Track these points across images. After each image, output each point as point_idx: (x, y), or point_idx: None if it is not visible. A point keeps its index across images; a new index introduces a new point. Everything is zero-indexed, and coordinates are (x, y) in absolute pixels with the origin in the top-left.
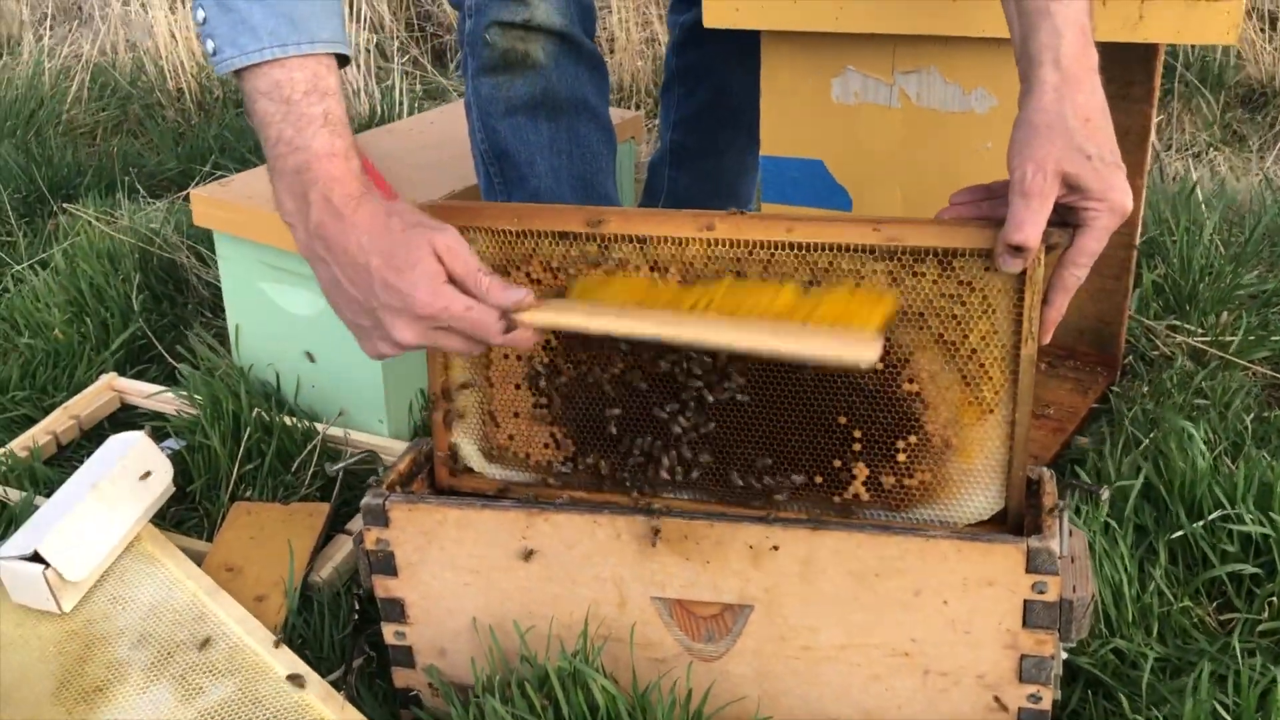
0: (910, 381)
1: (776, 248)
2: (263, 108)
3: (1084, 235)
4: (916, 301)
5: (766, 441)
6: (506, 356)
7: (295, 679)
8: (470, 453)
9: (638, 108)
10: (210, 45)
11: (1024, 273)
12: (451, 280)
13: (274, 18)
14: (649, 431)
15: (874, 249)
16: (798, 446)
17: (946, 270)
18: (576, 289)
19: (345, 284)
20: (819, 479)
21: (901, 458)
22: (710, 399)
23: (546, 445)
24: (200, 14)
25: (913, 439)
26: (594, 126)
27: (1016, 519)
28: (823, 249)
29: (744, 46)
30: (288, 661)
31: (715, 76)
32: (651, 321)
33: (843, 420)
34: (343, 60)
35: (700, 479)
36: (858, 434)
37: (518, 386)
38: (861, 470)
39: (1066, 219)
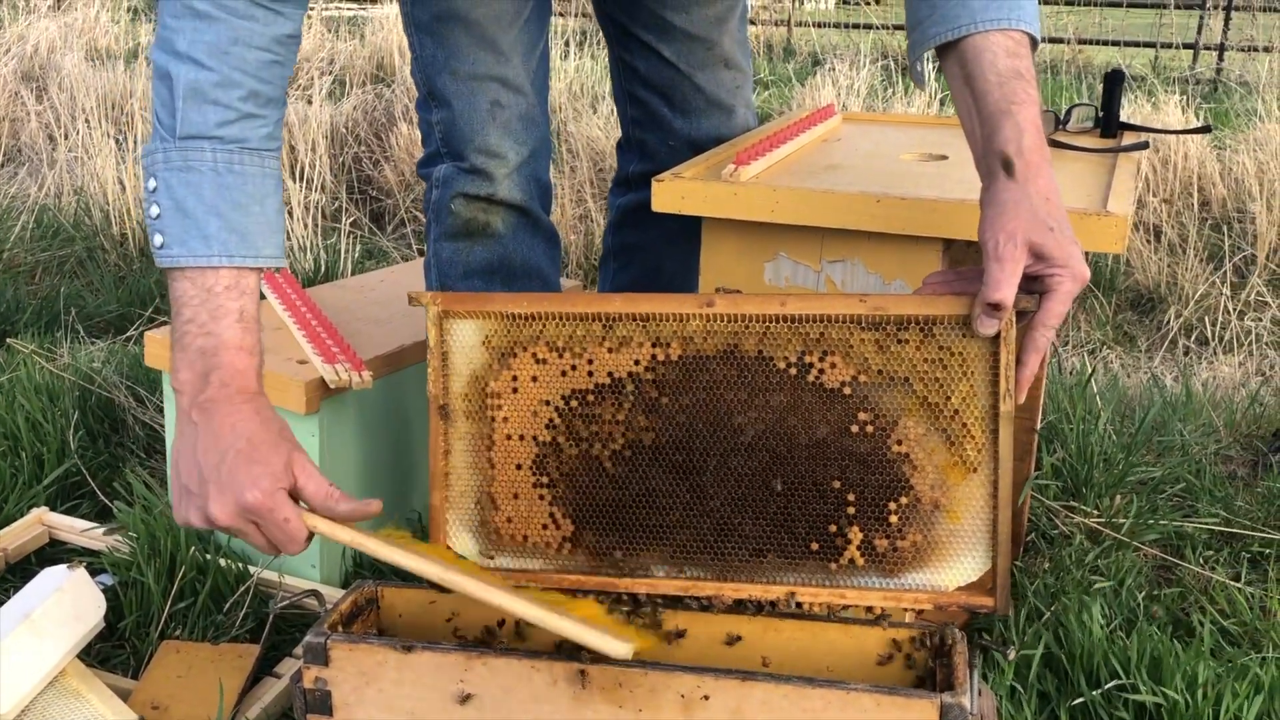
0: (899, 444)
1: (772, 320)
2: (182, 288)
3: (1050, 299)
4: (901, 367)
5: (764, 509)
6: (510, 437)
7: None
8: (464, 538)
9: (569, 277)
10: (158, 240)
11: (998, 335)
12: (292, 495)
13: (227, 231)
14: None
15: (861, 319)
16: (795, 513)
17: (928, 336)
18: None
19: (200, 450)
20: (815, 546)
21: (893, 519)
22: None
23: (545, 526)
24: (155, 210)
25: (904, 500)
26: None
27: (928, 671)
28: (814, 320)
29: (680, 229)
30: None
31: (650, 254)
32: (438, 568)
33: (837, 484)
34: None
35: (698, 555)
36: (851, 497)
37: (519, 467)
38: (856, 534)
39: (1033, 288)
